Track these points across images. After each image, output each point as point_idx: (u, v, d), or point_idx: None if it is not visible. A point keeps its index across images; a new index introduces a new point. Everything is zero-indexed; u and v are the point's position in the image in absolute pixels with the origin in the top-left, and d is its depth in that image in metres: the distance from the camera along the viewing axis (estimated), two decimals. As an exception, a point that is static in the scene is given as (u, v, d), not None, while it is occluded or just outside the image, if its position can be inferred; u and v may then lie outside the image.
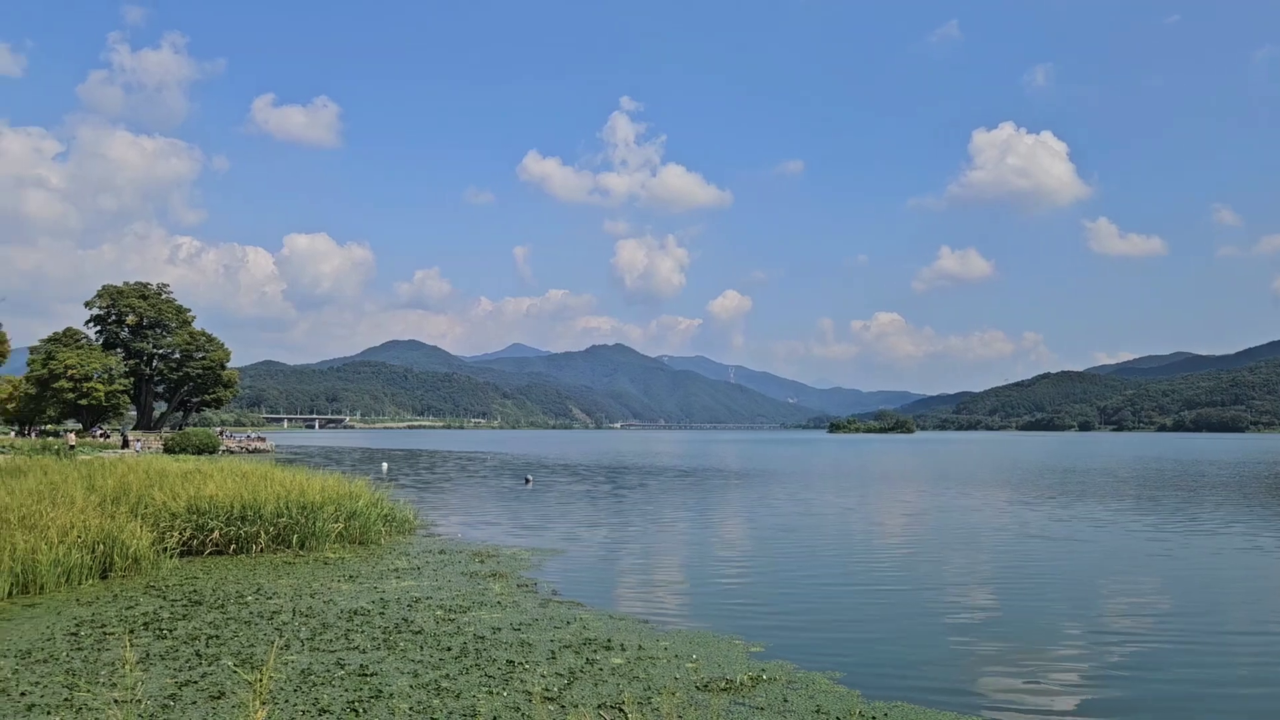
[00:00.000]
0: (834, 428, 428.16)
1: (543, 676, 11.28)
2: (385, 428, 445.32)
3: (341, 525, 22.69)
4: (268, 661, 7.90)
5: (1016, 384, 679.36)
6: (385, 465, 64.09)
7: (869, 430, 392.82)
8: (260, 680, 6.81)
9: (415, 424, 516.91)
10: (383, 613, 14.85)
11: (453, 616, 14.66)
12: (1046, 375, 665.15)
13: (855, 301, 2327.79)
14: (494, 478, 56.33)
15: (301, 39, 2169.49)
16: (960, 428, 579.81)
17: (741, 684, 11.24)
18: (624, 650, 12.78)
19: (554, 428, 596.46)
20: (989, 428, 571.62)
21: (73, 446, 63.95)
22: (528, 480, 51.34)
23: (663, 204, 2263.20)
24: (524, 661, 11.96)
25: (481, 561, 20.56)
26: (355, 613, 14.80)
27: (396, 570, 19.08)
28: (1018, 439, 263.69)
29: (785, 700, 10.70)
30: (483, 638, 13.24)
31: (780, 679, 11.55)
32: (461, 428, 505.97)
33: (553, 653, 12.50)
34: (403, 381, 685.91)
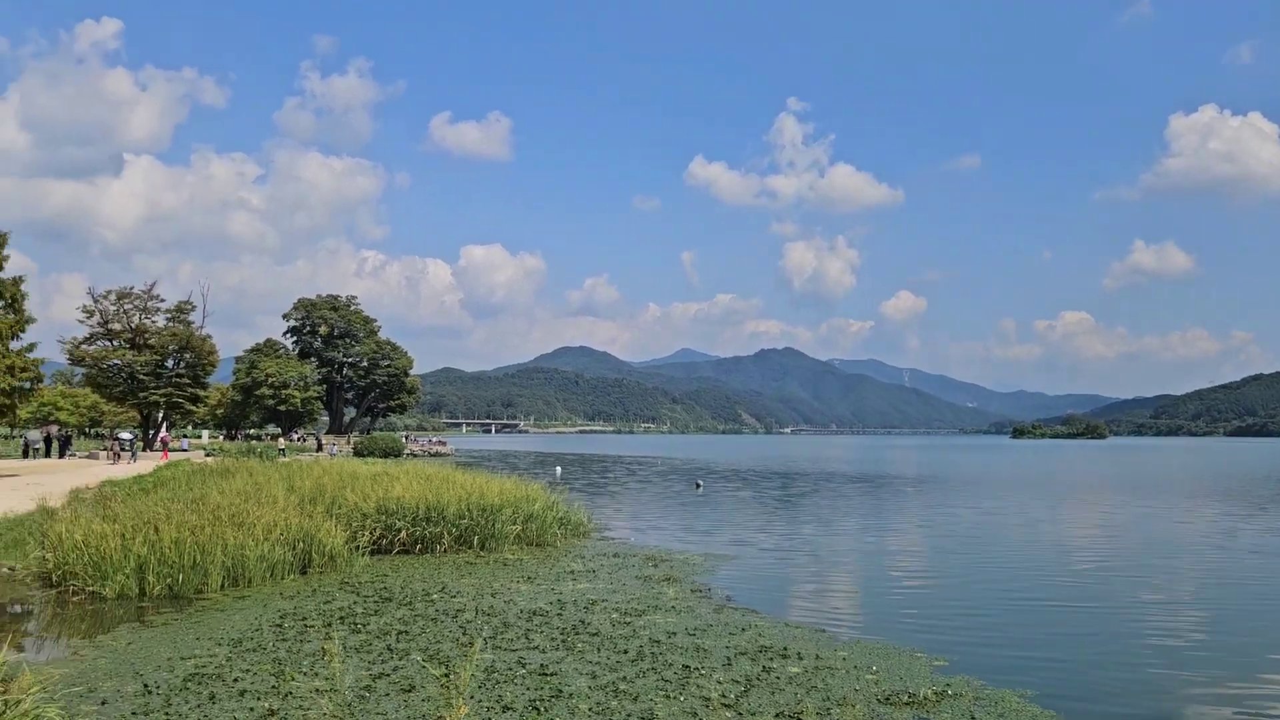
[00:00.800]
0: (1018, 433, 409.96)
1: (719, 683, 11.20)
2: (557, 432, 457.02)
3: (519, 527, 23.32)
4: (469, 660, 8.15)
5: (1223, 386, 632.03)
6: (558, 469, 65.64)
7: (1056, 435, 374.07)
8: (460, 678, 7.02)
9: (586, 429, 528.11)
10: (560, 614, 15.14)
11: (628, 620, 14.78)
12: (1258, 377, 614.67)
13: (1039, 300, 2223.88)
14: (664, 482, 56.74)
15: (475, 57, 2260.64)
16: (1159, 433, 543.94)
17: (926, 698, 10.81)
18: (801, 659, 12.54)
19: (723, 433, 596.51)
20: (1192, 433, 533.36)
21: (282, 450, 68.64)
22: (698, 485, 51.44)
23: (831, 204, 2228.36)
24: (700, 667, 11.91)
25: (655, 565, 20.68)
26: (534, 613, 15.15)
27: (572, 573, 19.43)
28: (1227, 445, 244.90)
29: (973, 717, 10.22)
30: (658, 641, 13.28)
31: (967, 695, 11.04)
32: (631, 432, 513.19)
33: (728, 659, 12.40)
34: (574, 387, 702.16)
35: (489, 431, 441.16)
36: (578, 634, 13.69)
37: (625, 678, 11.31)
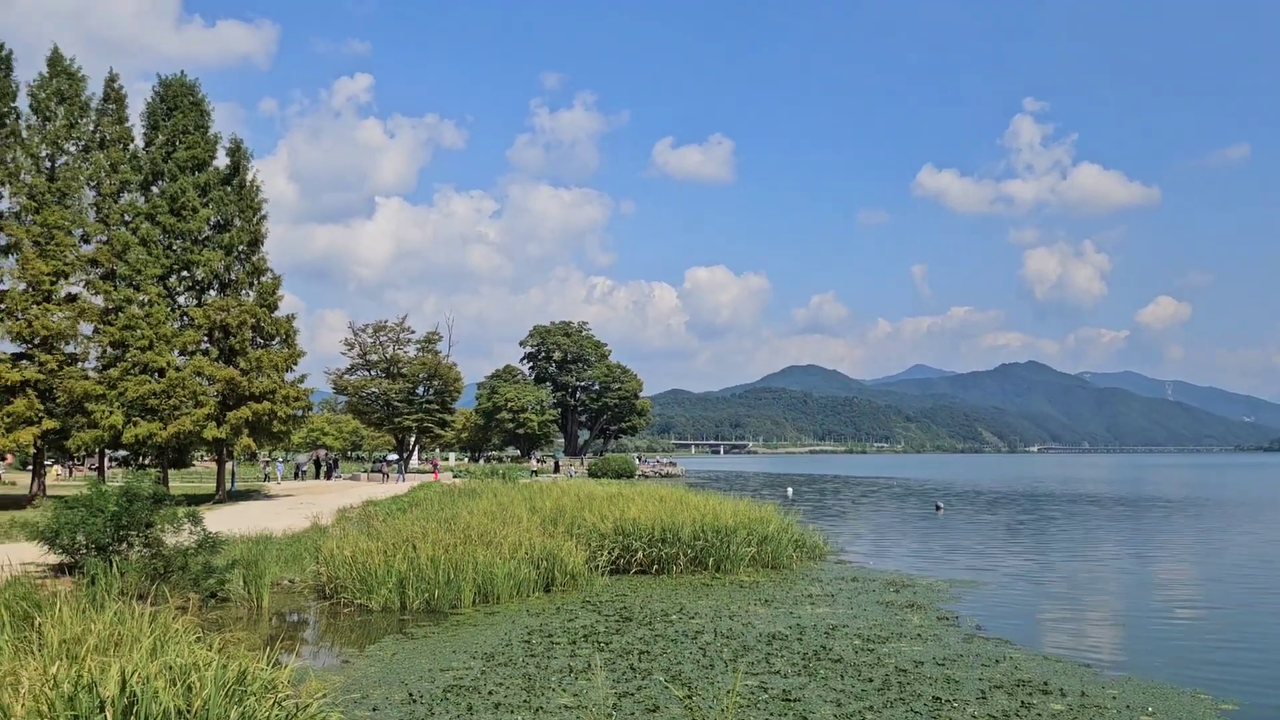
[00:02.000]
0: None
1: (973, 717, 10.56)
2: (787, 453, 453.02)
3: (754, 549, 23.14)
4: (732, 687, 8.12)
5: None
6: (790, 490, 64.92)
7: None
8: (724, 707, 6.96)
9: (816, 449, 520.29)
10: (800, 638, 14.83)
11: (871, 646, 14.27)
12: None
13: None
14: (900, 504, 54.84)
15: (696, 82, 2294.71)
16: None
17: (1215, 747, 9.73)
18: (1064, 695, 11.63)
19: (961, 452, 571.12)
20: None
21: (535, 471, 71.94)
22: (939, 507, 49.36)
23: (1075, 207, 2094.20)
24: (951, 699, 11.29)
25: (896, 591, 19.93)
26: (774, 637, 14.92)
27: (810, 596, 19.03)
28: None
29: (1275, 771, 9.09)
30: (904, 670, 12.72)
31: (1265, 745, 9.85)
32: (863, 452, 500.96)
33: (982, 692, 11.68)
34: (802, 406, 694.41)
35: (717, 452, 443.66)
36: (819, 660, 13.34)
37: (872, 707, 10.89)
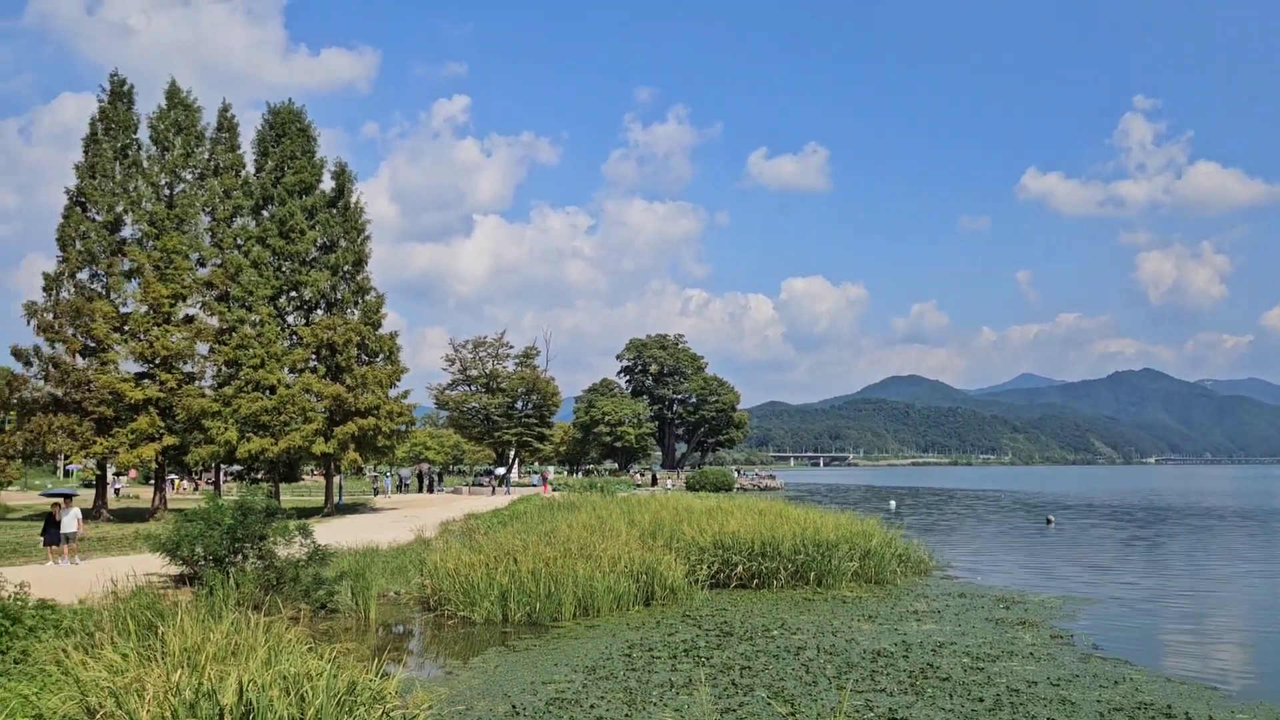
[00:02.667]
0: None
1: (1093, 742, 10.11)
2: (889, 465, 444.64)
3: (857, 564, 22.72)
4: (839, 705, 7.96)
5: None
6: (892, 503, 63.66)
7: None
8: None
9: (919, 461, 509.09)
10: (906, 656, 14.46)
11: (981, 665, 13.83)
12: None
13: None
14: (1009, 517, 53.22)
15: (789, 91, 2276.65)
16: None
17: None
18: (1190, 720, 11.07)
19: (1073, 463, 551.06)
20: None
21: (638, 485, 72.29)
22: (1049, 521, 47.72)
23: (1192, 207, 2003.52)
24: (1068, 722, 10.84)
25: (1006, 608, 19.28)
26: (878, 654, 14.59)
27: (916, 612, 18.57)
28: None
29: None
30: (1017, 691, 12.28)
31: None
32: (969, 464, 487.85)
33: (1101, 715, 11.19)
34: (904, 418, 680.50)
35: (817, 465, 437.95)
36: (926, 678, 12.99)
37: (983, 729, 10.53)
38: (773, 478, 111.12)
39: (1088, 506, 64.94)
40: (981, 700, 11.76)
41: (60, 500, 24.03)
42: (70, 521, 23.28)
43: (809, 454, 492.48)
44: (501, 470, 76.39)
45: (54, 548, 23.14)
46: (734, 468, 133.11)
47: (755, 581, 22.09)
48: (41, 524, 24.73)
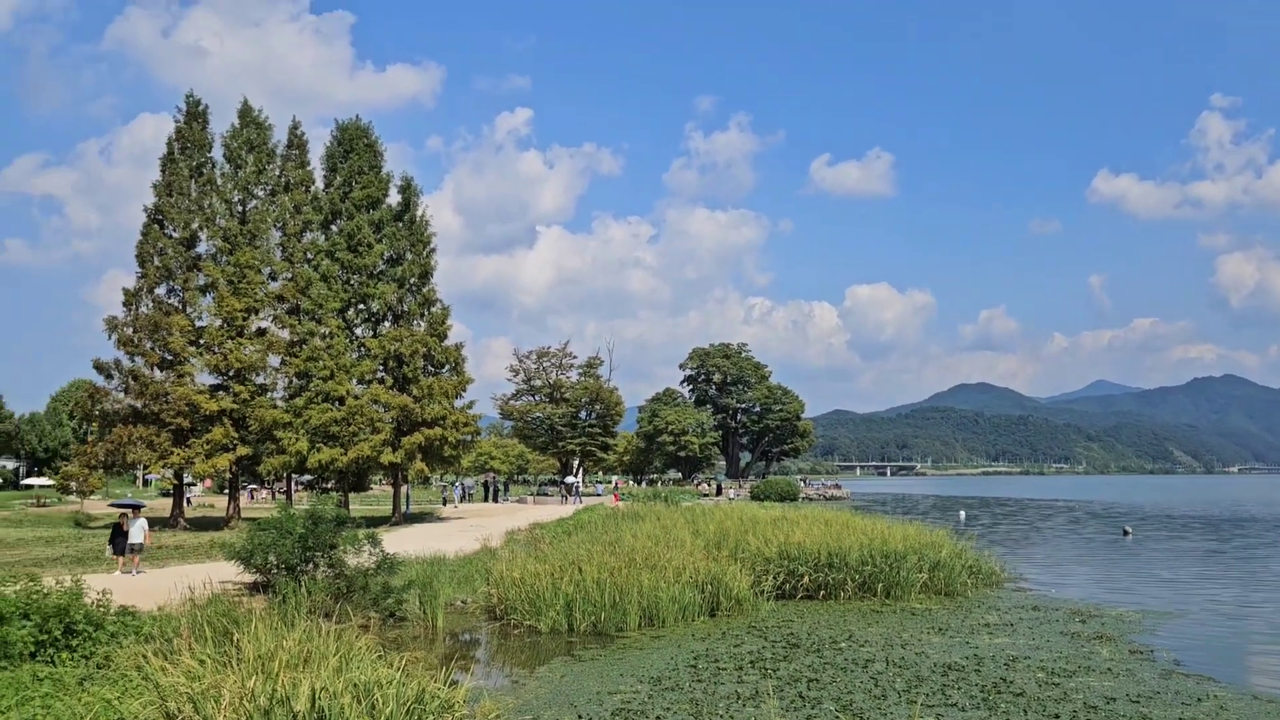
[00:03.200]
0: None
1: (1176, 762, 9.77)
2: (958, 474, 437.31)
3: (926, 575, 22.34)
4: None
5: None
6: (962, 514, 62.53)
7: None
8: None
9: (989, 470, 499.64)
10: (978, 670, 14.16)
11: (1056, 680, 13.47)
12: None
13: None
14: (1083, 528, 51.89)
15: (852, 98, 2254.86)
16: None
17: None
18: (1280, 741, 10.64)
19: (1150, 472, 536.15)
20: None
21: (705, 495, 72.14)
22: (1126, 532, 46.42)
23: (1273, 208, 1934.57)
24: (1150, 741, 10.49)
25: (1082, 621, 18.77)
26: (949, 667, 14.30)
27: (988, 625, 18.18)
28: None
29: None
30: (1095, 708, 11.93)
31: None
32: (1040, 473, 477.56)
33: (1185, 734, 10.82)
34: (973, 426, 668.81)
35: (884, 474, 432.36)
36: (1000, 693, 12.69)
37: (1060, 747, 10.24)
38: (838, 487, 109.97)
39: (1166, 517, 63.03)
40: (1058, 717, 11.46)
41: (128, 511, 24.45)
42: (137, 532, 23.59)
43: (875, 463, 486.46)
44: (572, 479, 76.94)
45: (121, 557, 23.52)
46: (799, 477, 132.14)
47: (822, 593, 21.84)
48: (109, 533, 25.37)
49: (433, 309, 44.23)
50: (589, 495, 74.72)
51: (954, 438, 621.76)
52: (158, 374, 39.77)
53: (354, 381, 41.45)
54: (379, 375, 42.21)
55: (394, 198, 44.56)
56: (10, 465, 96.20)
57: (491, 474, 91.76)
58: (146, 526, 24.20)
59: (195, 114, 42.75)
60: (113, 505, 33.48)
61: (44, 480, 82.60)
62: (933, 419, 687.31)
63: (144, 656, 10.55)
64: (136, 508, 25.03)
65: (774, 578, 21.76)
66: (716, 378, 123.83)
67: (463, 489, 71.12)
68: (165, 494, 73.86)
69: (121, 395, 39.83)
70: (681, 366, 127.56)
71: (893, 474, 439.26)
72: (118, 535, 23.80)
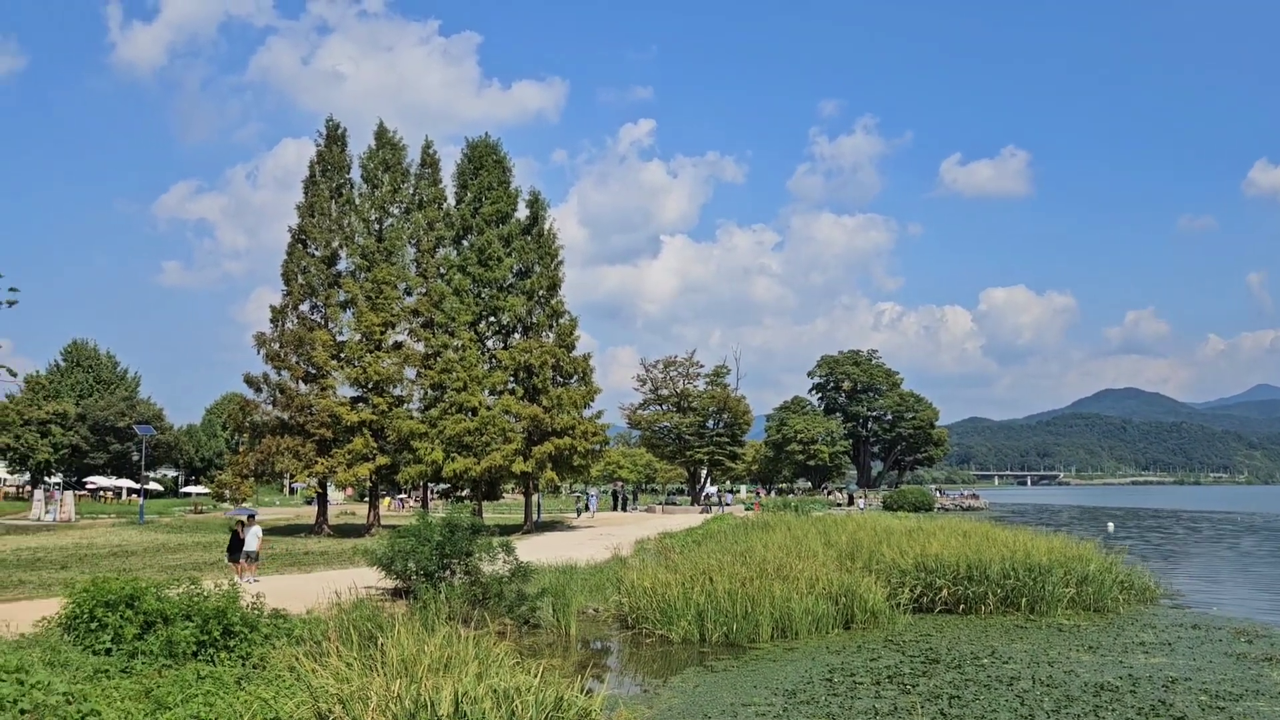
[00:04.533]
0: None
1: (1363, 796, 9.02)
2: (1104, 484, 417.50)
3: (1073, 590, 21.34)
4: None
5: None
6: (1110, 525, 59.64)
7: None
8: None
9: (1139, 479, 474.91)
10: (1134, 691, 13.42)
11: (1221, 704, 12.64)
12: None
13: None
14: (1247, 541, 48.75)
15: (984, 95, 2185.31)
16: None
17: None
18: None
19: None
20: None
21: (837, 505, 71.09)
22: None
23: None
24: (1331, 773, 9.72)
25: (1249, 641, 17.58)
26: (1101, 687, 13.60)
27: (1143, 644, 17.22)
28: None
29: None
30: (1267, 735, 11.14)
31: None
32: (1197, 483, 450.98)
33: (1371, 767, 9.98)
34: (1120, 433, 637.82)
35: (1024, 484, 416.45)
36: (1158, 716, 12.00)
37: (1229, 775, 9.59)
38: (976, 497, 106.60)
39: (1339, 530, 58.60)
40: (1225, 743, 10.75)
41: (243, 519, 24.28)
42: (251, 540, 23.40)
43: (1015, 472, 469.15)
44: (713, 489, 76.84)
45: (235, 565, 23.21)
46: (934, 487, 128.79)
47: (961, 606, 21.14)
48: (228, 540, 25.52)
49: (561, 320, 44.92)
50: (718, 505, 74.38)
51: (1099, 446, 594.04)
52: (302, 387, 41.63)
53: (486, 392, 42.45)
54: (510, 386, 43.10)
55: (522, 212, 45.50)
56: (170, 474, 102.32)
57: (620, 483, 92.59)
58: (260, 534, 24.04)
59: (335, 137, 44.69)
60: (230, 514, 33.53)
61: (200, 488, 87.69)
62: (1076, 426, 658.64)
63: (296, 658, 10.99)
64: (251, 516, 24.85)
65: (910, 590, 21.19)
66: (846, 385, 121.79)
67: (586, 498, 71.21)
68: (309, 501, 77.28)
69: (270, 407, 41.87)
70: (810, 374, 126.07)
71: (1034, 483, 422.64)
72: (234, 543, 23.80)
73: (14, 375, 11.39)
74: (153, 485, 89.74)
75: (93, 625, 12.59)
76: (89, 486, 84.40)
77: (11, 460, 76.05)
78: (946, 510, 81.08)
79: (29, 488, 74.32)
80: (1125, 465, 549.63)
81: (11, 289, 10.35)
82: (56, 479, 77.29)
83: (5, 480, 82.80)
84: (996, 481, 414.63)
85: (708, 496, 70.86)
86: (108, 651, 12.13)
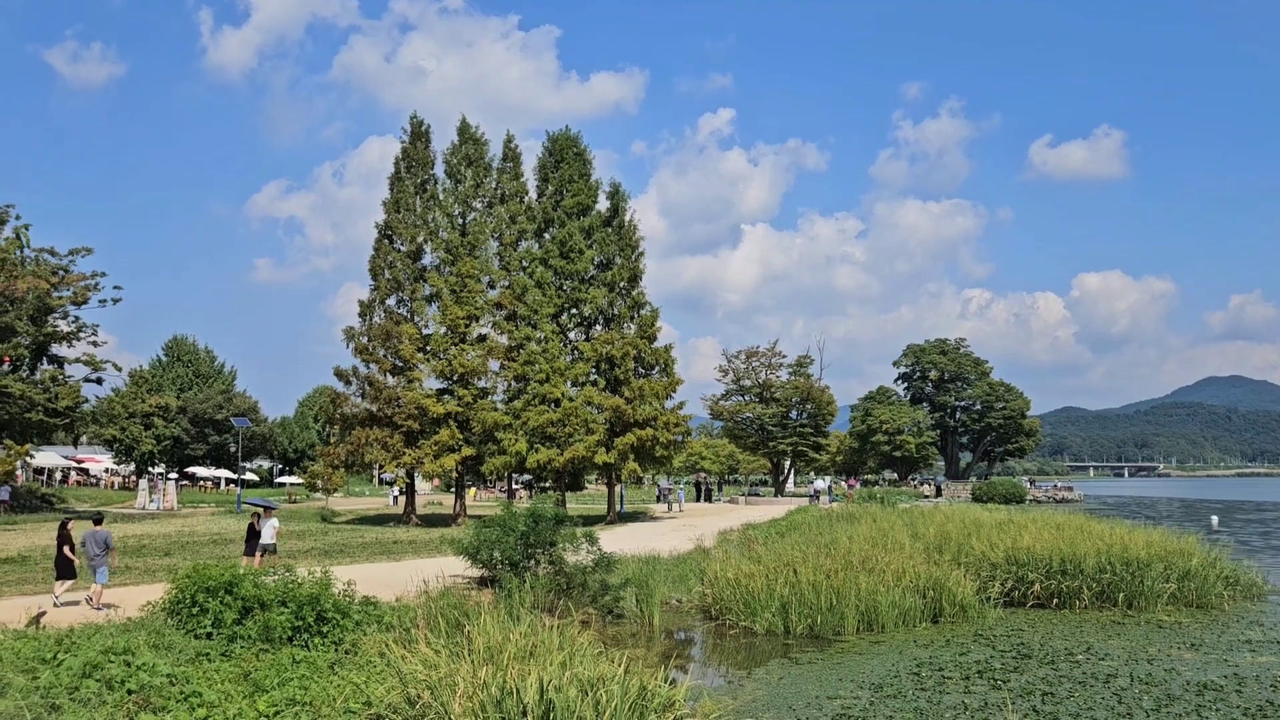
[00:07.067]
0: None
1: None
2: (1207, 475, 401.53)
3: (1174, 585, 20.57)
4: None
5: None
6: (1214, 519, 57.33)
7: None
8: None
9: (1245, 471, 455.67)
10: (1239, 690, 12.88)
11: (1336, 706, 12.05)
12: None
13: None
14: (1360, 536, 46.39)
15: (1076, 74, 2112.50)
16: None
17: None
18: None
19: None
20: None
21: (926, 496, 69.55)
22: None
23: None
24: None
25: (1365, 640, 16.74)
26: (1205, 686, 13.09)
27: (1249, 642, 16.52)
28: None
29: None
30: (1386, 739, 10.58)
31: None
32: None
33: None
34: (1225, 423, 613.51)
35: (1121, 475, 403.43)
36: (1265, 717, 11.50)
37: (1345, 781, 9.14)
38: (1070, 489, 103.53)
39: None
40: (1340, 747, 10.25)
41: (260, 510, 22.60)
42: (268, 532, 21.84)
43: (1111, 463, 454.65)
44: (821, 484, 76.17)
45: (250, 558, 21.19)
46: (1025, 478, 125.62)
47: (1054, 601, 20.57)
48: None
49: (642, 311, 44.99)
50: (800, 496, 73.71)
51: (1202, 436, 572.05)
52: (390, 380, 42.52)
53: (568, 384, 42.78)
54: (592, 378, 43.36)
55: (602, 204, 45.68)
56: (265, 465, 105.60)
57: (703, 474, 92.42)
58: (277, 526, 22.67)
59: (419, 134, 45.46)
60: (246, 504, 29.54)
61: (294, 479, 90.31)
62: (1176, 415, 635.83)
63: (386, 644, 11.24)
64: (269, 508, 23.01)
65: (1001, 584, 20.72)
66: (933, 375, 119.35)
67: (659, 491, 69.78)
68: (400, 492, 78.99)
69: (359, 400, 42.87)
70: (895, 364, 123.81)
71: (1131, 475, 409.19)
72: (251, 536, 21.86)
73: (119, 370, 11.86)
74: (249, 475, 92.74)
75: (194, 610, 13.08)
76: (192, 475, 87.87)
77: (118, 451, 79.38)
78: (1039, 502, 79.05)
79: (134, 478, 77.48)
80: (1230, 456, 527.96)
81: (116, 287, 10.78)
82: (159, 469, 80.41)
83: (113, 470, 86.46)
84: (1091, 473, 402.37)
85: (816, 490, 69.78)
86: (209, 635, 12.60)
